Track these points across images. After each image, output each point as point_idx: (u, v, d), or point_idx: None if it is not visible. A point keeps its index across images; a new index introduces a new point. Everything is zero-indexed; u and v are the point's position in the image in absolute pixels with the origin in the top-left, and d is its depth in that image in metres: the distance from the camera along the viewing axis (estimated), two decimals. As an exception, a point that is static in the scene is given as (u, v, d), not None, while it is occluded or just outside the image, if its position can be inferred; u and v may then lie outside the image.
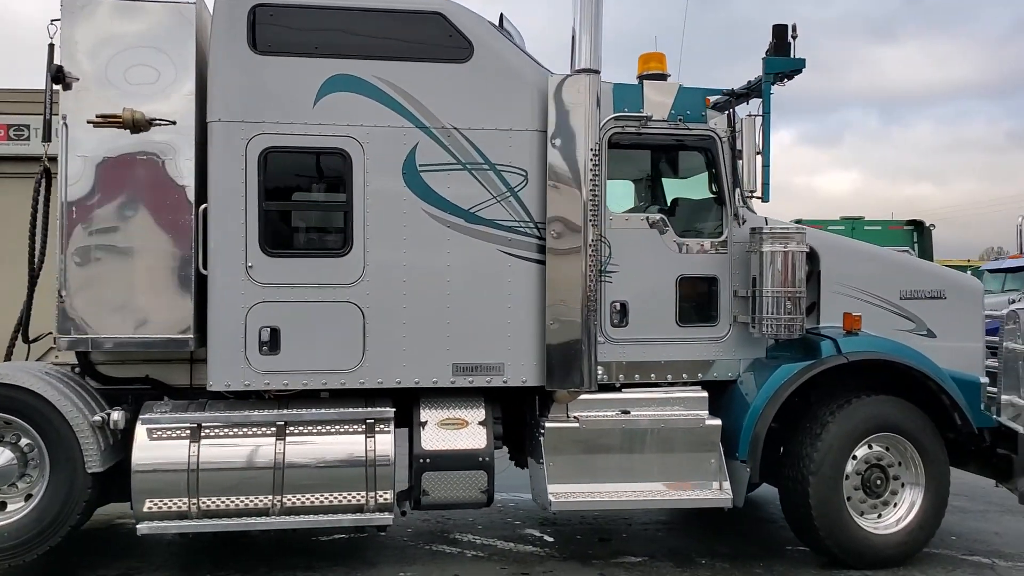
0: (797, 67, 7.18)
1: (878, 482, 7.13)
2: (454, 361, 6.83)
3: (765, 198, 7.17)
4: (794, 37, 7.17)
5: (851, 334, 7.28)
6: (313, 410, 6.73)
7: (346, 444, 6.66)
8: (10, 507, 6.47)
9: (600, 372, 6.97)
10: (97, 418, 6.42)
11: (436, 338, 6.80)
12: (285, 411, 6.70)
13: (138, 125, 6.42)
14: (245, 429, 6.61)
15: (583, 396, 6.94)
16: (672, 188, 8.12)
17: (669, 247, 7.23)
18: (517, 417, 7.33)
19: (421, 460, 6.80)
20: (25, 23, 6.49)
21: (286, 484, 6.52)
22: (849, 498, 7.03)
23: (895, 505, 7.19)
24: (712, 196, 7.46)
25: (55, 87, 6.62)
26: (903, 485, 7.19)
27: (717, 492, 7.03)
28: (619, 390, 7.17)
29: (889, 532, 7.12)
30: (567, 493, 6.90)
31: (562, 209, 6.74)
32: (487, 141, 6.84)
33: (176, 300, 6.59)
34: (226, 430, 6.60)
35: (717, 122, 7.32)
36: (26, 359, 7.13)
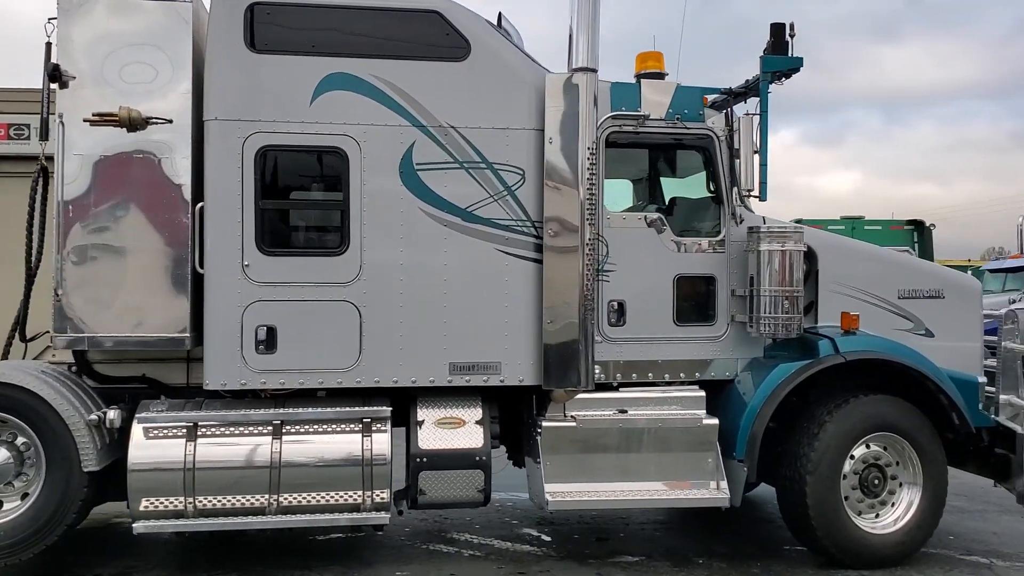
0: (795, 66, 7.16)
1: (876, 482, 7.11)
2: (451, 360, 6.82)
3: (763, 197, 7.16)
4: (792, 36, 7.15)
5: (849, 333, 7.26)
6: (310, 409, 6.73)
7: (343, 443, 6.65)
8: (6, 506, 6.46)
9: (597, 371, 6.97)
10: (93, 417, 6.41)
11: (433, 337, 6.79)
12: (282, 410, 6.70)
13: (134, 123, 6.41)
14: (241, 428, 6.61)
15: (580, 395, 6.93)
16: (670, 187, 8.11)
17: (667, 246, 7.22)
18: (514, 416, 7.33)
19: (418, 459, 6.80)
20: (25, 23, 6.51)
21: (282, 483, 6.52)
22: (847, 498, 7.02)
23: (893, 505, 7.17)
24: (710, 195, 7.44)
25: (52, 86, 6.62)
26: (901, 485, 7.18)
27: (714, 492, 7.02)
28: (616, 389, 7.16)
29: (887, 532, 7.11)
30: (564, 492, 6.89)
31: (559, 208, 6.74)
32: (484, 140, 6.83)
33: (172, 299, 6.59)
34: (222, 429, 6.59)
35: (715, 121, 7.31)
36: (23, 358, 7.12)
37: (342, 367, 6.69)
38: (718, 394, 7.27)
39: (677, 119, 7.21)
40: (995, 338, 7.74)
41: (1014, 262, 21.55)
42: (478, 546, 7.67)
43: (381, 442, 6.66)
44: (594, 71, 6.74)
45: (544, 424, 6.94)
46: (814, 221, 19.99)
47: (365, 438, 6.66)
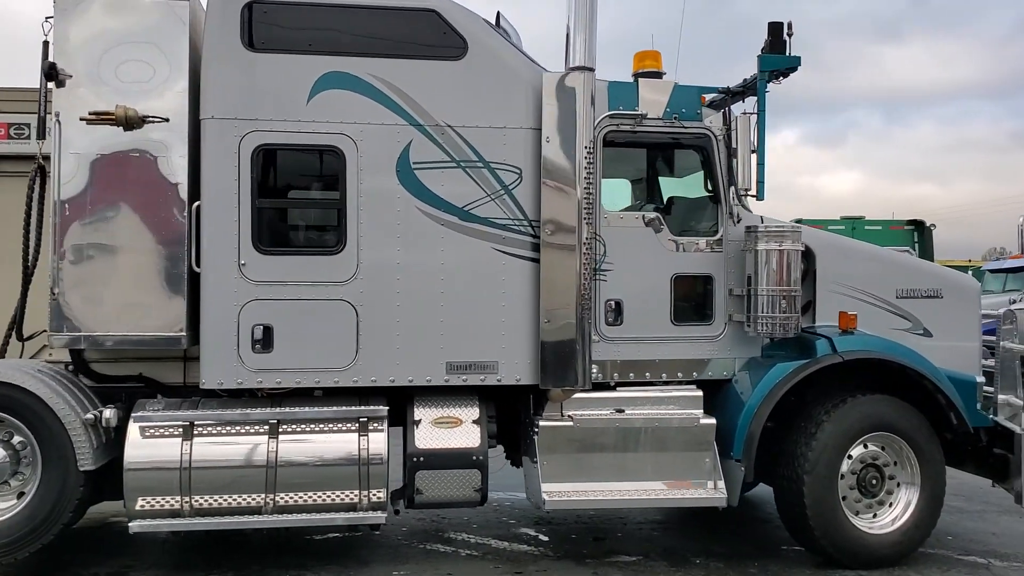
0: (792, 65, 7.15)
1: (873, 481, 7.10)
2: (448, 359, 6.81)
3: (760, 196, 7.14)
4: (790, 35, 7.14)
5: (847, 333, 7.26)
6: (306, 408, 6.72)
7: (339, 442, 6.64)
8: (2, 505, 6.46)
9: (595, 371, 6.96)
10: (89, 416, 6.40)
11: (430, 336, 6.78)
12: (278, 409, 6.69)
13: (131, 122, 6.40)
14: (238, 427, 6.60)
15: (577, 395, 6.92)
16: (668, 187, 8.11)
17: (664, 245, 7.21)
18: (512, 416, 7.32)
19: (415, 459, 6.78)
20: (25, 22, 6.52)
21: (279, 482, 6.50)
22: (844, 498, 7.01)
23: (891, 505, 7.16)
24: (708, 195, 7.43)
25: (48, 85, 6.61)
26: (899, 485, 7.16)
27: (711, 491, 7.01)
28: (614, 389, 7.15)
29: (884, 532, 7.09)
30: (561, 492, 6.88)
31: (556, 207, 6.73)
32: (481, 139, 6.82)
33: (169, 298, 6.58)
34: (219, 428, 6.58)
35: (713, 120, 7.29)
36: (20, 357, 7.11)
37: (339, 366, 6.68)
38: (716, 394, 7.25)
39: (675, 118, 7.20)
40: (994, 338, 7.72)
41: (1014, 262, 21.53)
42: (475, 546, 7.66)
43: (377, 441, 6.65)
44: (591, 70, 6.73)
45: (541, 423, 6.93)
46: (814, 221, 19.99)
47: (362, 437, 6.65)
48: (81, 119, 6.39)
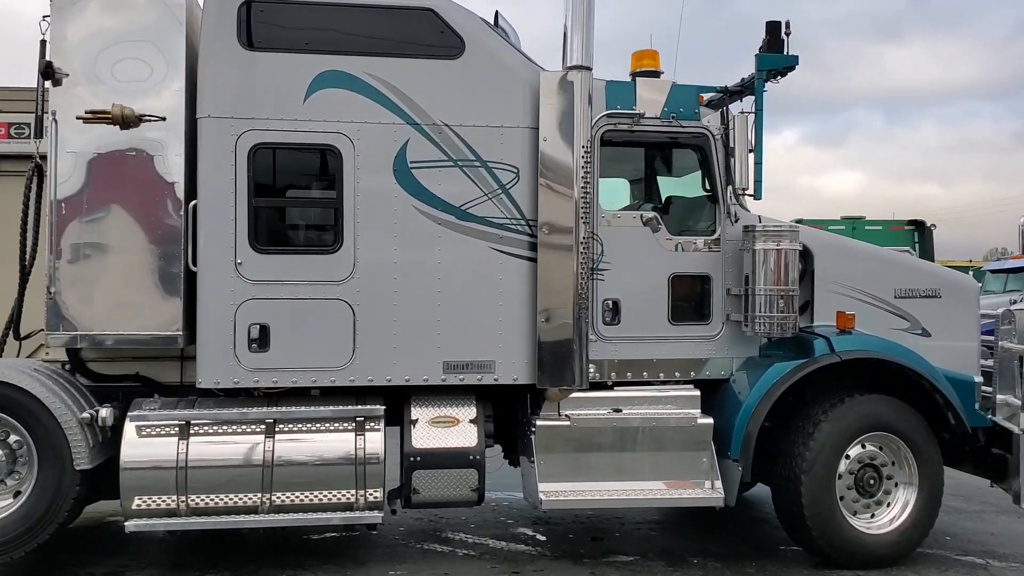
0: (790, 64, 7.13)
1: (871, 481, 7.08)
2: (445, 359, 6.80)
3: (758, 196, 7.13)
4: (787, 34, 7.13)
5: (844, 333, 7.24)
6: (303, 408, 6.71)
7: (336, 442, 6.63)
8: (-2, 504, 6.46)
9: (592, 370, 6.95)
10: (85, 415, 6.40)
11: (427, 336, 6.77)
12: (275, 409, 6.68)
13: (127, 121, 6.39)
14: (234, 427, 6.59)
15: (575, 394, 6.91)
16: (667, 186, 8.10)
17: (662, 245, 7.20)
18: (509, 415, 7.30)
19: (411, 458, 6.77)
20: (26, 22, 6.54)
21: (275, 482, 6.50)
22: (842, 497, 6.99)
23: (888, 505, 7.14)
24: (706, 194, 7.42)
25: (46, 84, 6.61)
26: (896, 485, 7.15)
27: (709, 491, 6.99)
28: (611, 388, 7.14)
29: (882, 532, 7.08)
30: (558, 492, 6.87)
31: (553, 206, 6.72)
32: (478, 138, 6.81)
33: (165, 297, 6.57)
34: (215, 427, 6.57)
35: (710, 119, 7.29)
36: (17, 356, 7.11)
37: (335, 366, 6.67)
38: (713, 393, 7.24)
39: (672, 118, 7.19)
40: (993, 338, 7.71)
41: (1015, 262, 21.50)
42: (473, 545, 7.65)
43: (374, 441, 6.64)
44: (589, 69, 6.71)
45: (538, 423, 6.92)
46: (814, 221, 19.96)
47: (358, 437, 6.64)
48: (78, 118, 6.39)
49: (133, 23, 6.57)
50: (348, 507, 6.59)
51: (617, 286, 7.10)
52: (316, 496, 6.56)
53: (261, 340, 6.55)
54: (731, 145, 7.12)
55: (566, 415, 6.95)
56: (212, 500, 6.45)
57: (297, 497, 6.53)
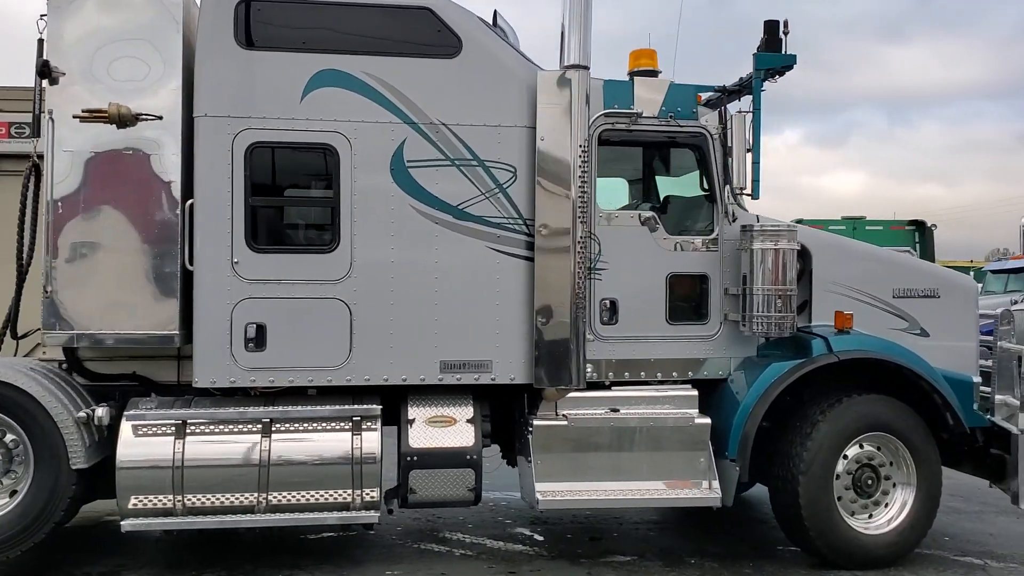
0: (788, 63, 7.09)
1: (869, 482, 7.07)
2: (442, 358, 6.79)
3: (755, 195, 7.10)
4: (786, 33, 7.10)
5: (842, 333, 7.22)
6: (299, 407, 6.70)
7: (332, 441, 6.62)
8: (-6, 503, 6.45)
9: (589, 370, 6.94)
10: (82, 414, 6.39)
11: (424, 335, 6.76)
12: (271, 408, 6.67)
13: (124, 120, 6.38)
14: (231, 426, 6.58)
15: (572, 394, 6.89)
16: (665, 186, 8.09)
17: (660, 245, 7.18)
18: (507, 415, 7.29)
19: (408, 458, 6.76)
20: (26, 21, 6.54)
21: (271, 481, 6.49)
22: (840, 498, 6.98)
23: (886, 505, 7.13)
24: (703, 193, 7.40)
25: (43, 82, 6.60)
26: (894, 485, 7.13)
27: (706, 491, 6.97)
28: (608, 388, 7.13)
29: (880, 532, 7.06)
30: (555, 491, 6.86)
31: (551, 206, 6.71)
32: (476, 137, 6.80)
33: (162, 296, 6.57)
34: (211, 427, 6.57)
35: (708, 119, 7.27)
36: (14, 355, 7.10)
37: (332, 365, 6.66)
38: (711, 393, 7.23)
39: (670, 117, 7.18)
40: (991, 338, 7.69)
41: (1016, 263, 21.47)
42: (470, 545, 7.64)
43: (371, 441, 6.63)
44: (586, 68, 6.70)
45: (535, 423, 6.91)
46: (815, 221, 19.95)
47: (355, 436, 6.63)
48: (74, 117, 6.39)
49: (130, 22, 6.56)
50: (345, 507, 6.58)
51: (615, 286, 7.09)
52: (313, 496, 6.55)
53: (258, 339, 6.54)
54: (729, 145, 7.11)
55: (563, 415, 6.94)
56: (208, 499, 6.44)
57: (294, 497, 6.52)
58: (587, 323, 6.84)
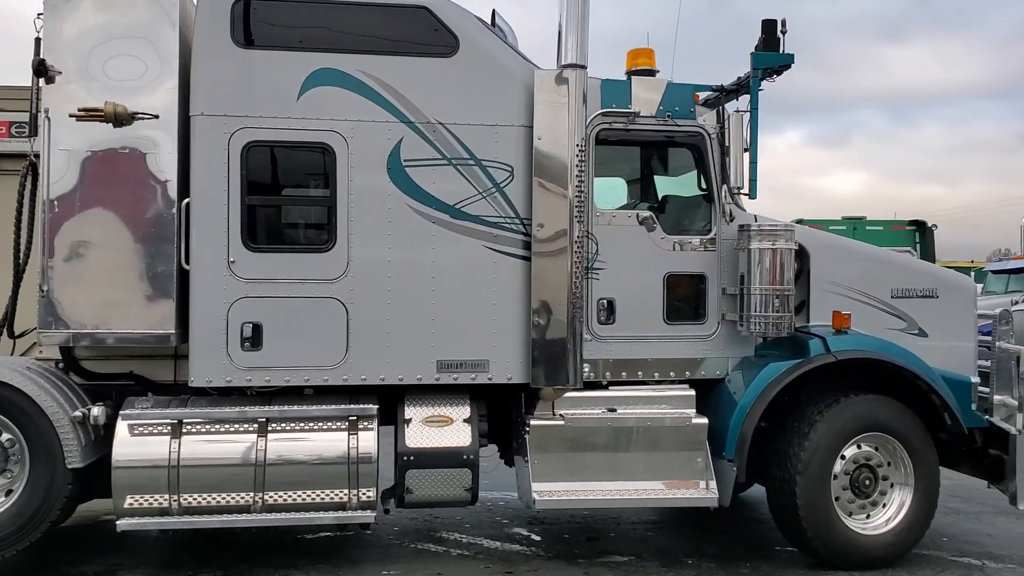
0: (785, 63, 7.06)
1: (867, 482, 7.05)
2: (438, 358, 6.78)
3: (752, 195, 7.08)
4: (783, 32, 7.08)
5: (840, 332, 7.20)
6: (296, 407, 6.69)
7: (329, 441, 6.61)
8: (-10, 502, 6.44)
9: (586, 370, 6.94)
10: (77, 413, 6.38)
11: (420, 335, 6.75)
12: (267, 408, 6.66)
13: (120, 119, 6.37)
14: (227, 425, 6.57)
15: (569, 394, 6.88)
16: (664, 185, 8.07)
17: (657, 244, 7.17)
18: (504, 415, 7.28)
19: (405, 458, 6.75)
20: (27, 21, 6.54)
21: (267, 481, 6.48)
22: (837, 498, 6.96)
23: (884, 506, 7.11)
24: (701, 193, 7.39)
25: (40, 81, 6.59)
26: (892, 485, 7.11)
27: (703, 491, 6.96)
28: (606, 388, 7.12)
29: (878, 533, 7.05)
30: (552, 491, 6.84)
31: (548, 205, 6.69)
32: (473, 136, 6.79)
33: (158, 296, 6.56)
34: (208, 426, 6.56)
35: (706, 119, 7.26)
36: (11, 355, 7.09)
37: (328, 364, 6.65)
38: (708, 393, 7.22)
39: (668, 116, 7.17)
40: (990, 338, 7.67)
41: (1017, 263, 21.44)
42: (467, 545, 7.63)
43: (367, 440, 6.62)
44: (583, 67, 6.69)
45: (532, 423, 6.89)
46: (816, 221, 19.93)
47: (351, 436, 6.62)
48: (70, 116, 6.38)
49: (126, 20, 6.55)
50: (341, 507, 6.57)
51: (612, 285, 7.07)
52: (309, 495, 6.54)
53: (254, 339, 6.54)
54: (727, 144, 7.09)
55: (560, 415, 6.93)
56: (204, 499, 6.43)
57: (290, 496, 6.51)
58: (584, 323, 6.83)
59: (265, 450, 6.51)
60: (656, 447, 6.97)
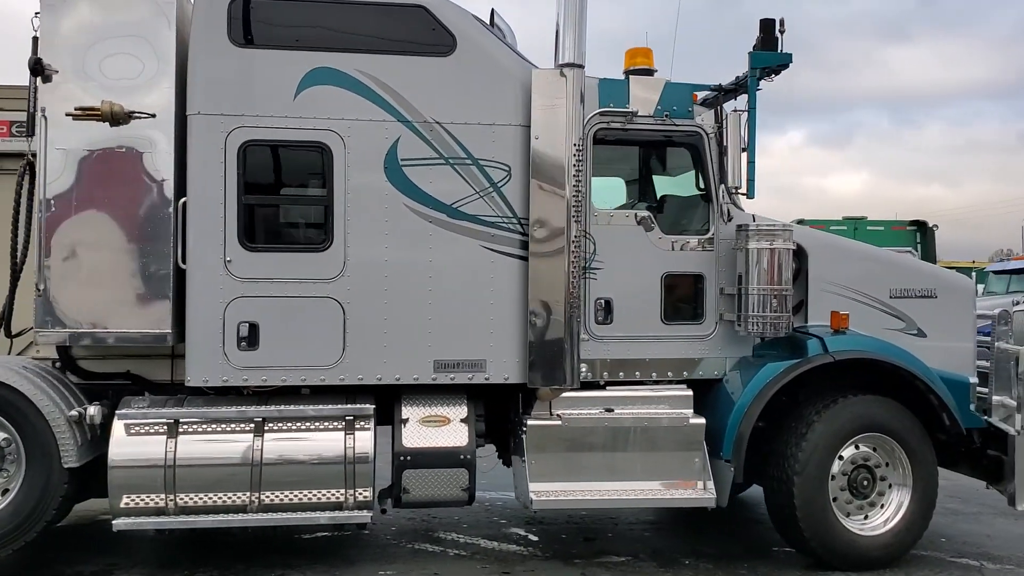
0: (784, 62, 7.07)
1: (865, 483, 7.03)
2: (435, 358, 6.77)
3: (750, 194, 7.08)
4: (782, 31, 7.07)
5: (839, 333, 7.19)
6: (292, 407, 6.68)
7: (325, 441, 6.60)
8: (-13, 502, 6.43)
9: (584, 370, 6.92)
10: (73, 413, 6.37)
11: (417, 334, 6.73)
12: (264, 407, 6.65)
13: (117, 118, 6.36)
14: (223, 425, 6.56)
15: (566, 394, 6.87)
16: (662, 185, 8.05)
17: (655, 244, 7.16)
18: (502, 415, 7.27)
19: (402, 458, 6.74)
20: (27, 20, 6.55)
21: (264, 481, 6.46)
22: (835, 499, 6.94)
23: (882, 506, 7.09)
24: (699, 193, 7.37)
25: (37, 80, 6.58)
26: (890, 486, 7.10)
27: (701, 491, 6.94)
28: (603, 388, 7.10)
29: (875, 533, 7.03)
30: (549, 491, 6.83)
31: (545, 205, 6.68)
32: (470, 136, 6.78)
33: (155, 295, 6.55)
34: (204, 426, 6.55)
35: (704, 118, 7.24)
36: (8, 354, 7.09)
37: (325, 364, 6.64)
38: (706, 393, 7.20)
39: (666, 116, 7.15)
40: (989, 338, 7.65)
41: (1018, 263, 21.39)
42: (464, 545, 7.62)
43: (364, 440, 6.60)
44: (581, 67, 6.68)
45: (529, 423, 6.88)
46: (817, 221, 19.91)
47: (348, 436, 6.61)
48: (67, 115, 6.36)
49: (123, 19, 6.54)
50: (337, 506, 6.56)
51: (610, 285, 7.06)
52: (305, 495, 6.53)
53: (250, 338, 6.53)
54: (725, 144, 7.08)
55: (557, 415, 6.92)
56: (201, 499, 6.42)
57: (286, 496, 6.50)
58: (581, 323, 6.82)
59: (262, 450, 6.50)
60: (654, 447, 6.96)
